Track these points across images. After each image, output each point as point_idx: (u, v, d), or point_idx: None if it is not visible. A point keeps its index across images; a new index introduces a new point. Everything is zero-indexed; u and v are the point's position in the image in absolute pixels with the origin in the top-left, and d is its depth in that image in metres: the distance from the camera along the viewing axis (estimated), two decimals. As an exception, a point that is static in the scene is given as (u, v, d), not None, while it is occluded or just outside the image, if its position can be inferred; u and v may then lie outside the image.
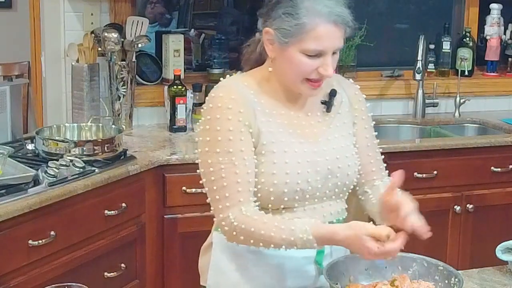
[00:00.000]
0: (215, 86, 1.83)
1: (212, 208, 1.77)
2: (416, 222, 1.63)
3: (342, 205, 1.89)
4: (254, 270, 1.83)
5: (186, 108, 3.31)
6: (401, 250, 1.64)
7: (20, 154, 2.73)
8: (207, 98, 1.81)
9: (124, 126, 3.23)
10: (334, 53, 1.74)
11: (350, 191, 1.90)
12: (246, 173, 1.73)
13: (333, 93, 1.87)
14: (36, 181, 2.40)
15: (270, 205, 1.77)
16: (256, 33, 1.88)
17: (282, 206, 1.77)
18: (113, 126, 3.03)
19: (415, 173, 3.20)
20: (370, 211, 1.89)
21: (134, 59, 3.34)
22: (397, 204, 1.65)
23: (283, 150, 1.77)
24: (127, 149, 2.85)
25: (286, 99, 1.83)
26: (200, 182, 1.80)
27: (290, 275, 1.82)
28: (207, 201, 1.79)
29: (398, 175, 1.67)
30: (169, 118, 3.33)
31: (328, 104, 1.87)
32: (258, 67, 1.87)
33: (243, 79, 1.85)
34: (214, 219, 1.79)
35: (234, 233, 1.72)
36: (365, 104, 1.95)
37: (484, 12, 4.06)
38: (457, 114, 3.86)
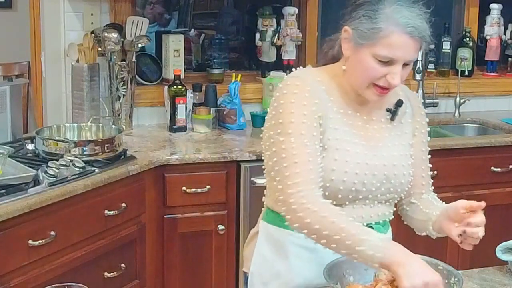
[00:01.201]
0: (288, 76, 1.84)
1: (279, 186, 1.72)
2: (471, 231, 1.73)
3: (390, 209, 1.91)
4: (295, 262, 1.85)
5: (186, 108, 3.31)
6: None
7: (20, 154, 2.73)
8: (280, 85, 1.81)
9: (124, 126, 3.23)
10: (406, 64, 1.75)
11: (399, 199, 1.92)
12: (316, 155, 1.74)
13: (399, 103, 1.88)
14: (36, 181, 2.40)
15: None
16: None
17: (334, 202, 1.77)
18: (113, 126, 3.02)
19: (415, 173, 3.19)
20: (417, 220, 1.91)
21: (134, 59, 3.34)
22: (470, 216, 1.73)
23: (346, 148, 1.78)
24: (127, 149, 2.85)
25: (355, 100, 1.84)
26: (263, 167, 1.81)
27: None
28: (274, 183, 1.75)
29: (483, 203, 1.73)
30: (169, 118, 3.33)
31: (393, 113, 1.88)
32: (332, 64, 1.88)
33: (316, 73, 1.86)
34: (280, 197, 1.72)
35: (301, 213, 1.67)
36: (425, 119, 1.97)
37: (484, 12, 4.06)
38: (457, 114, 3.86)
